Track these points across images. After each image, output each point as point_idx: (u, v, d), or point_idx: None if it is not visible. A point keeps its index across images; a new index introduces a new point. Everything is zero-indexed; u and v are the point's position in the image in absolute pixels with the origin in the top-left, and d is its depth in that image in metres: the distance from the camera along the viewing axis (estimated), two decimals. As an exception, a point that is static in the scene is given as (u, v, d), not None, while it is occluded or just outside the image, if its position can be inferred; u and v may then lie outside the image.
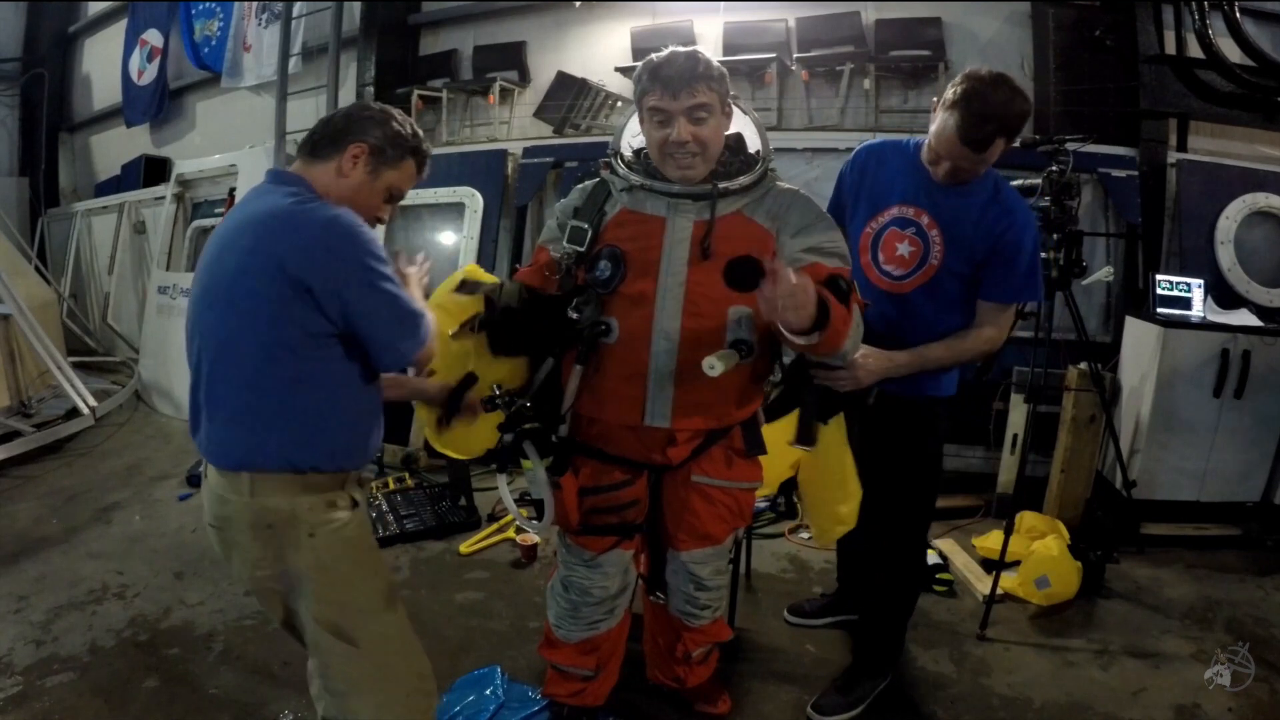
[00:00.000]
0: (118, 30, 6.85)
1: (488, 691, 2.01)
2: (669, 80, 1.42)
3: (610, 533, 1.67)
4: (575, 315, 1.49)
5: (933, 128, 1.66)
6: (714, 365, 1.36)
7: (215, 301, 1.28)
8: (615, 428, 1.58)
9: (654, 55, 1.46)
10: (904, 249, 1.76)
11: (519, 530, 2.95)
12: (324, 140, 1.37)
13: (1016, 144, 2.84)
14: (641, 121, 1.52)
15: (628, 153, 1.62)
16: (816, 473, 1.81)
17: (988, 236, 1.69)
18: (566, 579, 1.75)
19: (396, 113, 1.42)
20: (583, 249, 1.52)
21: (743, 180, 1.51)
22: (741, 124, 1.61)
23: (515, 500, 1.69)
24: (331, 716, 1.44)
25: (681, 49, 1.45)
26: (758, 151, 1.60)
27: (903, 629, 2.11)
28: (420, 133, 1.45)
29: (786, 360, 1.67)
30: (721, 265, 1.47)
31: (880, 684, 2.05)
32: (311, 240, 1.22)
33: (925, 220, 1.74)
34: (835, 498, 1.79)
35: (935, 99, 1.69)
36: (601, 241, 1.53)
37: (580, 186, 1.63)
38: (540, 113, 4.77)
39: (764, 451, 1.66)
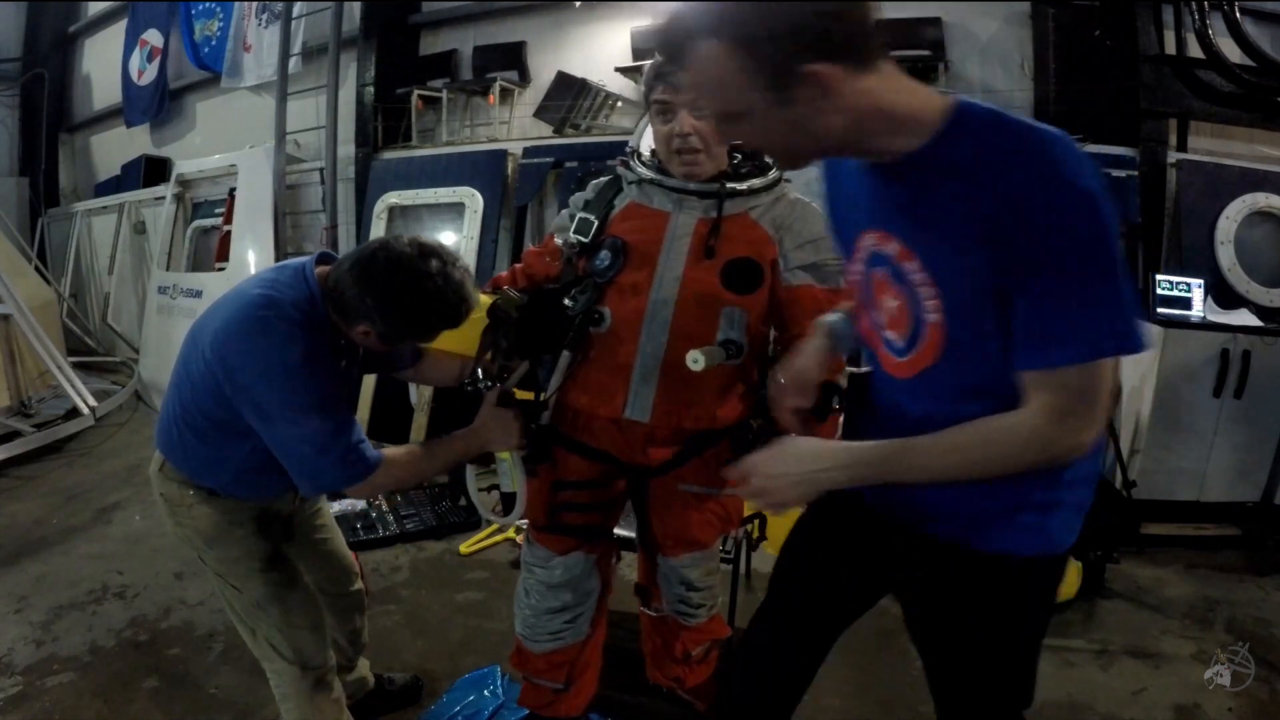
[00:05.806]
0: (118, 30, 6.84)
1: (487, 691, 2.01)
2: (673, 75, 1.43)
3: (572, 533, 1.66)
4: (570, 304, 1.52)
5: None
6: (697, 359, 1.36)
7: (195, 335, 1.41)
8: (598, 420, 1.58)
9: None
10: (891, 304, 1.00)
11: (518, 531, 2.94)
12: (342, 297, 1.33)
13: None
14: (651, 121, 1.54)
15: (645, 152, 1.65)
16: None
17: (979, 228, 0.86)
18: (526, 581, 1.73)
19: (410, 276, 1.27)
20: (587, 240, 1.55)
21: (753, 183, 1.52)
22: None
23: (484, 491, 1.71)
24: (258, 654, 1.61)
25: None
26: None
27: None
28: (450, 288, 1.30)
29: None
30: (720, 265, 1.48)
31: None
32: (238, 356, 1.29)
33: (894, 248, 0.96)
34: None
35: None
36: (606, 234, 1.56)
37: (595, 181, 1.67)
38: (540, 113, 4.77)
39: None
